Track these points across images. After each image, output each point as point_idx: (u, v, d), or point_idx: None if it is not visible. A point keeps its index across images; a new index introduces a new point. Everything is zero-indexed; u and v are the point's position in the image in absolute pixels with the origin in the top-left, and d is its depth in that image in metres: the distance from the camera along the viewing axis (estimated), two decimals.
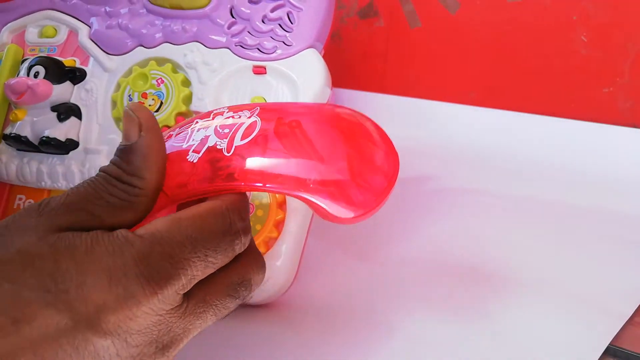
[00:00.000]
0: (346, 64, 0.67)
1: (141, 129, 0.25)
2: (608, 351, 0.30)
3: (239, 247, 0.24)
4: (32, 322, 0.21)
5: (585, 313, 0.33)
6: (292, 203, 0.34)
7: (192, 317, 0.24)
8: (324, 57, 0.37)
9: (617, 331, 0.31)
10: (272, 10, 0.37)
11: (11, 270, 0.21)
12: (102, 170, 0.25)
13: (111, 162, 0.25)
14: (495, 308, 0.34)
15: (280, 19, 0.37)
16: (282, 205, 0.34)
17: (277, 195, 0.34)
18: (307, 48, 0.37)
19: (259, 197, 0.34)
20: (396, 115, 0.63)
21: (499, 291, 0.35)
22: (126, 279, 0.22)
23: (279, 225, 0.34)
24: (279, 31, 0.37)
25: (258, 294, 0.33)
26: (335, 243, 0.42)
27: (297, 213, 0.34)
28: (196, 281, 0.23)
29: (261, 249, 0.34)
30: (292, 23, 0.37)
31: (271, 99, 0.36)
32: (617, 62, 0.52)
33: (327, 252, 0.41)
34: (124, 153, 0.25)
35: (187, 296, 0.23)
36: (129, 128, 0.25)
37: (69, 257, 0.22)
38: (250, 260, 0.26)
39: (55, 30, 0.42)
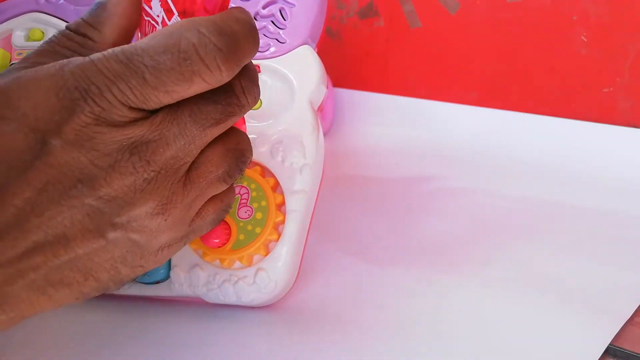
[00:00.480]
0: (346, 64, 0.67)
1: None
2: (608, 351, 0.30)
3: (203, 73, 0.23)
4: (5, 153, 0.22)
5: (585, 313, 0.33)
6: (291, 205, 0.34)
7: (165, 124, 0.23)
8: (323, 60, 0.37)
9: (617, 331, 0.31)
10: (264, 7, 0.37)
11: None
12: (65, 26, 0.25)
13: (80, 18, 0.25)
14: (495, 308, 0.34)
15: (273, 15, 0.37)
16: (280, 207, 0.34)
17: (275, 198, 0.34)
18: (301, 45, 0.36)
19: (258, 201, 0.34)
20: (396, 115, 0.63)
21: (498, 291, 0.35)
22: (69, 92, 0.22)
23: (279, 227, 0.34)
24: (272, 28, 0.36)
25: (259, 296, 0.33)
26: (335, 243, 0.42)
27: (296, 215, 0.34)
28: (147, 93, 0.23)
29: (261, 252, 0.34)
30: (285, 19, 0.36)
31: (266, 98, 0.36)
32: (617, 62, 0.52)
33: (327, 252, 0.41)
34: (92, 9, 0.25)
35: (156, 111, 0.24)
36: None
37: (17, 87, 0.23)
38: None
39: (43, 33, 0.40)
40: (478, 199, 0.48)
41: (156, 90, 0.23)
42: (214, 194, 0.27)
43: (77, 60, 0.23)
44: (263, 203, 0.34)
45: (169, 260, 0.34)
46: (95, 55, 0.23)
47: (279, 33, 0.36)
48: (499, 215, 0.46)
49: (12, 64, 0.39)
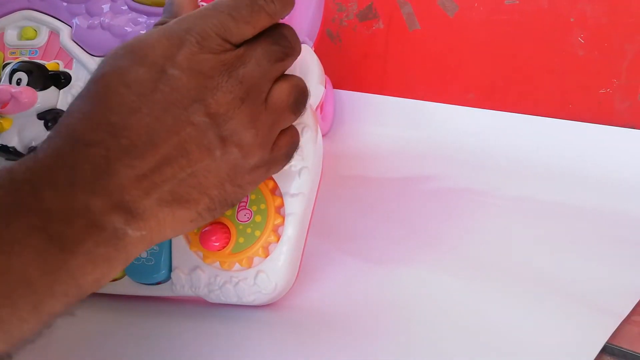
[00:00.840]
0: (346, 65, 0.67)
1: None
2: (605, 349, 0.30)
3: (265, 7, 0.30)
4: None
5: (582, 311, 0.33)
6: (290, 207, 0.34)
7: (247, 56, 0.29)
8: (320, 56, 0.37)
9: (614, 330, 0.31)
10: None
11: None
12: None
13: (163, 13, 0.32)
14: (494, 307, 0.34)
15: None
16: (279, 209, 0.34)
17: (274, 200, 0.34)
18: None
19: (257, 204, 0.34)
20: (396, 116, 0.63)
21: (497, 290, 0.35)
22: (176, 33, 0.28)
23: (278, 229, 0.34)
24: None
25: (260, 297, 0.34)
26: (335, 244, 0.42)
27: (295, 217, 0.34)
28: (233, 25, 0.29)
29: (261, 255, 0.34)
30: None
31: None
32: (615, 63, 0.52)
33: (326, 252, 0.41)
34: (167, 5, 0.32)
35: (239, 47, 0.29)
36: None
37: (136, 41, 0.29)
38: None
39: (35, 31, 0.40)
40: (476, 199, 0.49)
41: (238, 22, 0.29)
42: (286, 124, 0.32)
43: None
44: (262, 206, 0.34)
45: (170, 262, 0.35)
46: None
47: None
48: (497, 215, 0.46)
49: (7, 63, 0.38)
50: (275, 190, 0.34)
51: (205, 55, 0.28)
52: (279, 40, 0.31)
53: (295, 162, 0.34)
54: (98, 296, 0.36)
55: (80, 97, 0.28)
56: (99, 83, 0.28)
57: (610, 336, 0.31)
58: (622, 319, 0.32)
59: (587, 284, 0.36)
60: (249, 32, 0.30)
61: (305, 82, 0.33)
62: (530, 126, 0.56)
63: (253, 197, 0.34)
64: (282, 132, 0.32)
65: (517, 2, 0.56)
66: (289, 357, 0.31)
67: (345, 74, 0.67)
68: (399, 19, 0.64)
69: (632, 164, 0.50)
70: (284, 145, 0.32)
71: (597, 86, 0.53)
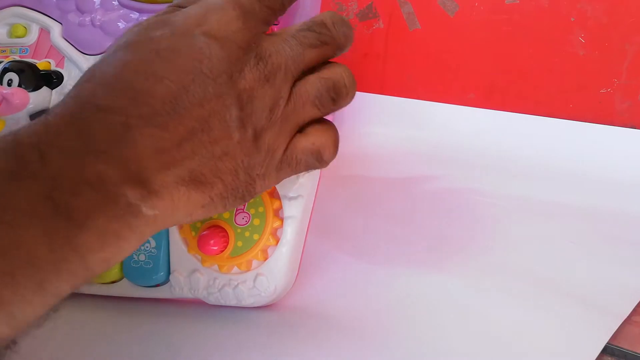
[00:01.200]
0: (346, 65, 0.67)
1: None
2: (606, 350, 0.30)
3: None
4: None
5: (583, 312, 0.33)
6: (288, 210, 0.34)
7: (277, 38, 0.29)
8: None
9: (615, 330, 0.31)
10: None
11: None
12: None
13: None
14: (494, 307, 0.34)
15: None
16: (278, 212, 0.34)
17: (273, 203, 0.34)
18: None
19: (255, 207, 0.34)
20: (396, 116, 0.63)
21: (497, 290, 0.35)
22: (218, 5, 0.28)
23: (276, 232, 0.34)
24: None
25: (259, 299, 0.34)
26: (335, 244, 0.42)
27: (294, 220, 0.34)
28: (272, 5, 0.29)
29: (260, 258, 0.34)
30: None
31: None
32: (615, 63, 0.52)
33: (326, 252, 0.41)
34: None
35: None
36: None
37: (172, 13, 0.28)
38: None
39: (25, 29, 0.39)
40: (476, 199, 0.49)
41: (273, 10, 0.29)
42: (310, 117, 0.30)
43: None
44: (260, 209, 0.34)
45: (168, 264, 0.34)
46: None
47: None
48: (497, 214, 0.46)
49: (5, 67, 0.36)
50: (273, 193, 0.34)
51: (241, 25, 0.27)
52: (314, 26, 0.29)
53: None
54: (96, 298, 0.36)
55: (103, 61, 0.26)
56: (126, 49, 0.26)
57: (611, 337, 0.31)
58: (623, 320, 0.32)
59: (588, 284, 0.36)
60: (277, 11, 0.29)
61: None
62: (530, 126, 0.56)
63: (251, 200, 0.34)
64: (306, 129, 0.30)
65: (518, 1, 0.56)
66: (289, 357, 0.31)
67: None
68: (399, 19, 0.64)
69: (632, 163, 0.50)
70: (303, 147, 0.30)
71: (597, 86, 0.53)
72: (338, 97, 0.30)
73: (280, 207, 0.34)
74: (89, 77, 0.26)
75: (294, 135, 0.30)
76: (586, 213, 0.46)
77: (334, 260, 0.40)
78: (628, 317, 0.33)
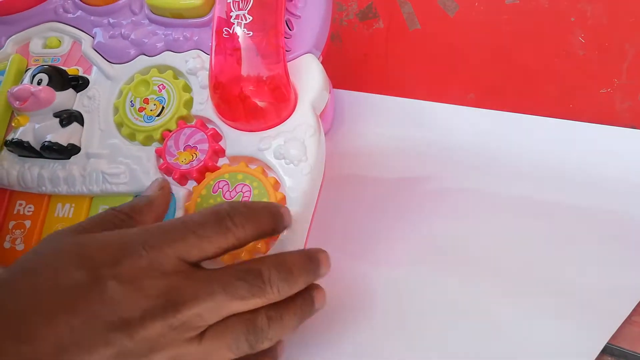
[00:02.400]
0: (346, 65, 0.67)
1: (160, 188, 0.33)
2: (606, 350, 0.30)
3: (233, 229, 0.28)
4: None
5: (583, 312, 0.33)
6: (292, 204, 0.34)
7: (201, 284, 0.27)
8: (323, 61, 0.38)
9: (615, 330, 0.31)
10: None
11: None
12: (114, 208, 0.30)
13: (126, 204, 0.31)
14: (494, 307, 0.34)
15: None
16: (282, 203, 0.34)
17: (277, 196, 0.34)
18: (306, 53, 0.38)
19: (260, 198, 0.34)
20: (396, 116, 0.63)
21: (497, 290, 0.35)
22: (131, 244, 0.27)
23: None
24: None
25: None
26: (335, 243, 0.42)
27: (297, 214, 0.34)
28: (195, 243, 0.28)
29: (261, 250, 0.34)
30: (290, 30, 0.37)
31: None
32: (615, 63, 0.52)
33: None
34: (141, 200, 0.32)
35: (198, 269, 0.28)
36: (152, 186, 0.33)
37: (89, 240, 0.28)
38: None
39: (59, 41, 0.43)
40: (476, 199, 0.48)
41: (203, 241, 0.27)
42: None
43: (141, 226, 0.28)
44: (265, 200, 0.35)
45: None
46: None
47: (285, 42, 0.37)
48: (497, 215, 0.46)
49: (29, 69, 0.40)
50: (278, 187, 0.35)
51: (153, 272, 0.26)
52: (247, 275, 0.28)
53: (299, 160, 0.35)
54: None
55: (2, 285, 0.25)
56: (27, 277, 0.25)
57: (611, 337, 0.31)
58: (623, 320, 0.32)
59: (588, 284, 0.36)
60: (210, 251, 0.28)
61: (312, 89, 0.34)
62: (530, 126, 0.56)
63: (256, 192, 0.35)
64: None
65: (518, 1, 0.56)
66: (290, 355, 0.31)
67: (345, 74, 0.67)
68: (399, 19, 0.64)
69: (633, 164, 0.50)
70: None
71: (597, 86, 0.53)
72: (255, 346, 0.29)
73: (284, 201, 0.35)
74: None
75: None
76: (586, 213, 0.46)
77: (333, 260, 0.40)
78: (628, 317, 0.33)
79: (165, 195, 0.33)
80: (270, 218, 0.30)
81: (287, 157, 0.35)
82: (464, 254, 0.40)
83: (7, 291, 0.25)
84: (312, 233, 0.36)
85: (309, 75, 0.37)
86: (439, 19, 0.61)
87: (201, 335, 0.27)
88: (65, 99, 0.40)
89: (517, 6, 0.56)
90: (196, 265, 0.28)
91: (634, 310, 0.33)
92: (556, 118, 0.55)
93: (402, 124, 0.62)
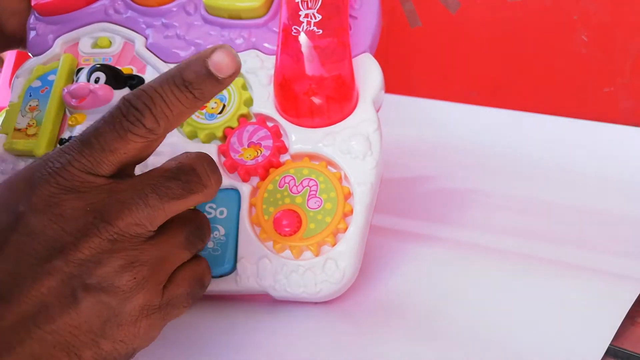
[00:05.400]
0: None
1: None
2: (609, 351, 0.30)
3: (136, 124, 0.26)
4: None
5: (585, 313, 0.33)
6: (358, 196, 0.35)
7: (128, 192, 0.26)
8: None
9: (618, 331, 0.31)
10: None
11: None
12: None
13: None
14: (496, 307, 0.34)
15: None
16: (348, 198, 0.35)
17: (343, 190, 0.36)
18: (363, 53, 0.38)
19: (327, 192, 0.35)
20: (397, 114, 0.63)
21: (499, 290, 0.35)
22: (35, 171, 0.26)
23: (347, 217, 0.35)
24: None
25: (326, 286, 0.34)
26: None
27: (362, 206, 0.35)
28: (96, 155, 0.26)
29: (330, 242, 0.35)
30: (349, 30, 0.38)
31: None
32: (618, 62, 0.52)
33: None
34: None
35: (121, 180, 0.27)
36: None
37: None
38: None
39: (110, 41, 0.43)
40: (479, 198, 0.48)
41: (103, 151, 0.26)
42: (181, 261, 0.28)
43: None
44: (332, 194, 0.35)
45: (235, 253, 0.35)
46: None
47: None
48: (499, 213, 0.46)
49: (81, 68, 0.40)
50: (342, 180, 0.36)
51: (66, 195, 0.25)
52: (183, 174, 0.27)
53: (364, 154, 0.36)
54: None
55: None
56: None
57: (614, 338, 0.31)
58: (626, 320, 0.32)
59: (589, 285, 0.36)
60: (120, 159, 0.26)
61: (372, 87, 0.36)
62: (533, 124, 0.56)
63: (322, 186, 0.36)
64: (181, 266, 0.28)
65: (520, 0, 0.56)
66: (351, 351, 0.31)
67: None
68: (400, 16, 0.64)
69: (636, 162, 0.50)
70: (185, 283, 0.28)
71: (600, 84, 0.53)
72: (205, 236, 0.29)
73: (350, 194, 0.36)
74: None
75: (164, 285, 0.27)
76: (589, 211, 0.45)
77: None
78: (631, 318, 0.33)
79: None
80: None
81: (352, 152, 0.36)
82: (464, 254, 0.40)
83: None
84: None
85: (368, 74, 0.38)
86: (441, 16, 0.61)
87: (151, 239, 0.27)
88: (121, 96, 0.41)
89: (519, 4, 0.56)
90: (116, 176, 0.27)
91: (637, 311, 0.33)
92: (559, 116, 0.55)
93: (403, 122, 0.62)
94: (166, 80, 0.27)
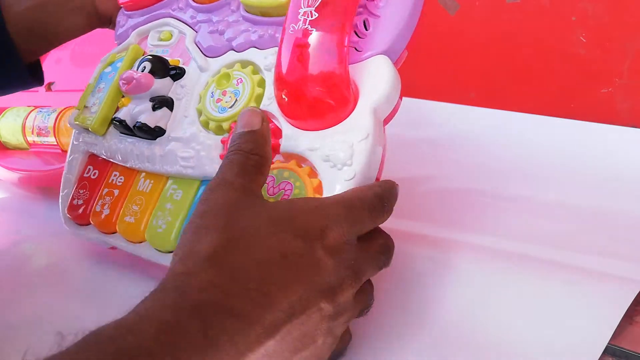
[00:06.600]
0: None
1: (263, 120, 0.34)
2: (607, 350, 0.30)
3: (386, 213, 0.32)
4: None
5: (583, 312, 0.33)
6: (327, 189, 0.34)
7: (363, 252, 0.31)
8: (403, 64, 0.37)
9: (617, 330, 0.31)
10: None
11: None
12: (241, 149, 0.33)
13: (242, 140, 0.33)
14: (495, 306, 0.34)
15: (356, 26, 0.36)
16: (318, 190, 0.35)
17: (312, 179, 0.35)
18: (378, 54, 0.36)
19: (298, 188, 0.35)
20: (397, 114, 0.63)
21: (498, 290, 0.35)
22: (332, 215, 0.30)
23: None
24: (353, 37, 0.36)
25: None
26: None
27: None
28: (363, 227, 0.31)
29: None
30: (366, 30, 0.36)
31: None
32: (616, 63, 0.52)
33: None
34: (249, 135, 0.33)
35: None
36: (254, 118, 0.34)
37: (297, 210, 0.31)
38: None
39: (171, 35, 0.47)
40: (477, 199, 0.48)
41: (373, 220, 0.31)
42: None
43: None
44: (298, 183, 0.35)
45: None
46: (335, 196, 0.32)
47: (357, 42, 0.36)
48: (498, 214, 0.46)
49: (144, 59, 0.45)
50: (320, 191, 0.35)
51: (347, 245, 0.29)
52: (387, 252, 0.32)
53: (342, 164, 0.34)
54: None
55: (230, 251, 0.28)
56: (256, 244, 0.28)
57: (612, 337, 0.31)
58: (624, 320, 0.32)
59: (588, 285, 0.36)
60: (369, 229, 0.31)
61: (376, 92, 0.35)
62: (531, 125, 0.56)
63: (297, 191, 0.35)
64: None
65: (519, 0, 0.56)
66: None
67: None
68: None
69: (633, 162, 0.50)
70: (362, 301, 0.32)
71: (598, 85, 0.53)
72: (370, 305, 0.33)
73: (320, 186, 0.34)
74: (216, 260, 0.27)
75: None
76: (587, 212, 0.45)
77: None
78: (629, 317, 0.33)
79: (267, 123, 0.35)
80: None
81: (332, 160, 0.34)
82: (464, 254, 0.40)
83: (242, 259, 0.27)
84: None
85: (376, 77, 0.35)
86: (440, 18, 0.61)
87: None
88: (163, 85, 0.44)
89: (518, 5, 0.56)
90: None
91: (636, 310, 0.33)
92: (557, 117, 0.55)
93: (403, 123, 0.62)
94: None
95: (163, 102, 0.43)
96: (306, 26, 0.35)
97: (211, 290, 0.26)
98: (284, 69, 0.35)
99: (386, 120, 0.36)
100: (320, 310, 0.28)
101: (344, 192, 0.32)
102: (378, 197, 0.32)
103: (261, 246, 0.28)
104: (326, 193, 0.34)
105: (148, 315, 0.25)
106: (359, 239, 0.31)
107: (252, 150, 0.33)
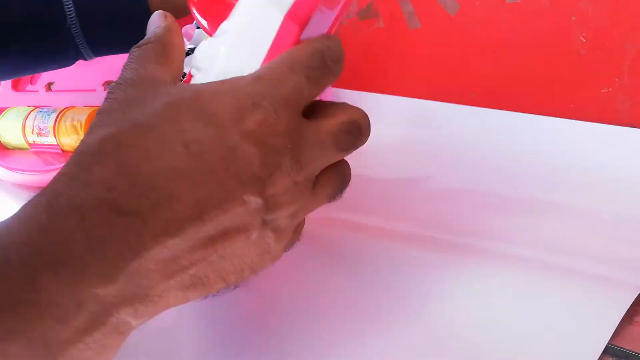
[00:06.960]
0: (346, 64, 0.67)
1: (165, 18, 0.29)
2: (607, 350, 0.30)
3: (333, 72, 0.28)
4: None
5: (583, 312, 0.33)
6: None
7: (315, 138, 0.27)
8: None
9: (616, 330, 0.31)
10: None
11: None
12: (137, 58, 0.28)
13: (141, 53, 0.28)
14: (495, 306, 0.34)
15: None
16: None
17: None
18: None
19: None
20: (396, 115, 0.63)
21: (498, 290, 0.35)
22: (248, 97, 0.26)
23: None
24: None
25: None
26: (335, 243, 0.42)
27: None
28: (304, 95, 0.27)
29: None
30: None
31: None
32: (616, 63, 0.52)
33: (326, 252, 0.41)
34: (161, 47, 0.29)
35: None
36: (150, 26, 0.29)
37: (208, 94, 0.26)
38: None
39: None
40: (477, 199, 0.48)
41: (311, 84, 0.26)
42: (314, 208, 0.29)
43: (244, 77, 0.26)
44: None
45: None
46: (260, 71, 0.26)
47: None
48: (497, 215, 0.46)
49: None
50: None
51: (279, 126, 0.25)
52: (353, 129, 0.28)
53: None
54: None
55: (118, 144, 0.24)
56: (149, 134, 0.24)
57: (612, 337, 0.31)
58: (624, 320, 0.32)
59: (587, 285, 0.36)
60: (315, 94, 0.27)
61: None
62: (531, 125, 0.56)
63: None
64: (320, 188, 0.28)
65: (519, 1, 0.56)
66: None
67: (345, 73, 0.67)
68: (399, 18, 0.64)
69: (634, 163, 0.50)
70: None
71: (598, 85, 0.53)
72: (344, 188, 0.30)
73: None
74: (102, 156, 0.23)
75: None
76: (587, 212, 0.45)
77: (332, 260, 0.40)
78: (629, 317, 0.33)
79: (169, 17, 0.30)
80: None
81: None
82: (463, 254, 0.40)
83: (132, 151, 0.23)
84: (311, 233, 0.36)
85: None
86: (440, 18, 0.61)
87: (312, 187, 0.27)
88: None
89: (517, 5, 0.56)
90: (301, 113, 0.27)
91: (636, 310, 0.33)
92: (557, 117, 0.55)
93: (403, 123, 0.62)
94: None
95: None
96: None
97: (94, 187, 0.22)
98: None
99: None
100: (244, 203, 0.24)
101: (271, 62, 0.27)
102: (318, 53, 0.27)
103: (157, 136, 0.24)
104: None
105: (19, 217, 0.22)
106: (306, 116, 0.27)
107: (147, 41, 0.28)
